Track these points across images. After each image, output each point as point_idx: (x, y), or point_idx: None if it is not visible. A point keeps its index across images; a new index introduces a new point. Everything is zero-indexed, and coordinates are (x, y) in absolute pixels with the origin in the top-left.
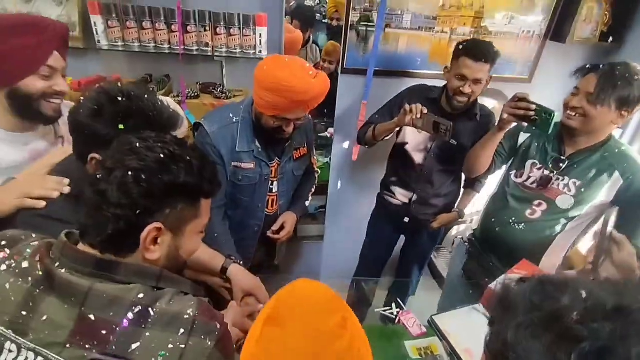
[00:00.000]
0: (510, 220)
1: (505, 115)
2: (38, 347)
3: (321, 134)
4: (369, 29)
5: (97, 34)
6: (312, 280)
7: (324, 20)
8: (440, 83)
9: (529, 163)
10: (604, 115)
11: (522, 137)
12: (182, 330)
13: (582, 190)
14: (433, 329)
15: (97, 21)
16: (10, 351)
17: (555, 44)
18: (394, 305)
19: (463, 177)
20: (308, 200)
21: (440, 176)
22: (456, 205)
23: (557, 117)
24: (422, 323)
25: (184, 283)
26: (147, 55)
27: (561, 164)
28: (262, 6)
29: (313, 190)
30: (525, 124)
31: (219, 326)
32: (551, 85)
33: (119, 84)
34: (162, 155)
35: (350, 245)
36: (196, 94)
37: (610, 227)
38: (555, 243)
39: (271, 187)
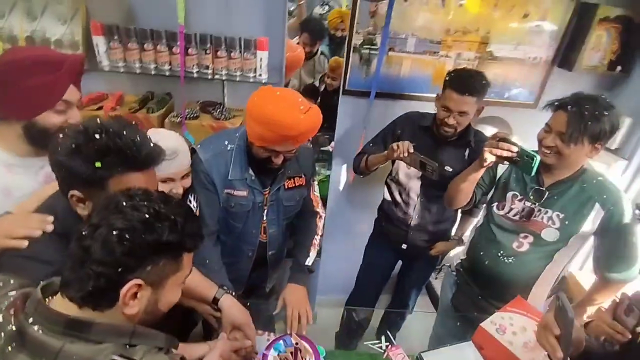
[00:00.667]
0: (499, 254)
1: (487, 154)
2: None
3: (323, 147)
4: (372, 51)
5: (98, 54)
6: None
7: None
8: None
9: (509, 194)
10: (577, 151)
11: (501, 168)
12: None
13: (566, 222)
14: None
15: (99, 42)
16: None
17: (562, 71)
18: (383, 338)
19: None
20: (309, 256)
21: (437, 203)
22: (454, 231)
23: (539, 159)
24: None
25: (158, 338)
26: (148, 75)
27: (541, 195)
28: (265, 29)
29: (316, 242)
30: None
31: None
32: None
33: (98, 120)
34: (147, 215)
35: (349, 263)
36: (196, 114)
37: (570, 313)
38: (543, 274)
39: (263, 214)
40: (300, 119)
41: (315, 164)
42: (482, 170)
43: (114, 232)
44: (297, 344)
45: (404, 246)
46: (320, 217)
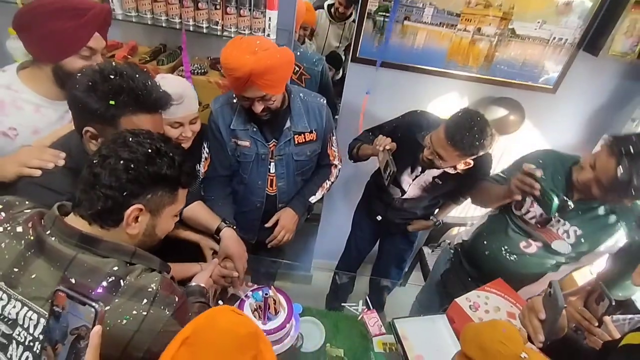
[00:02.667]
0: (503, 249)
1: (513, 187)
2: (25, 299)
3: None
4: (386, 19)
5: (112, 2)
6: (236, 312)
7: None
8: (456, 83)
9: (529, 198)
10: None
11: (526, 167)
12: (145, 300)
13: (582, 240)
14: (392, 331)
15: None
16: (1, 299)
17: (587, 56)
18: (360, 302)
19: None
20: (315, 194)
21: (421, 201)
22: (434, 213)
23: (559, 202)
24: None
25: (153, 261)
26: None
27: (565, 208)
28: None
29: (326, 185)
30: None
31: (177, 299)
32: (577, 99)
33: (114, 63)
34: (149, 150)
35: (346, 230)
36: (205, 70)
37: (560, 301)
38: (542, 279)
39: (269, 167)
40: (245, 59)
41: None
42: (508, 200)
43: (121, 162)
44: (267, 294)
45: (379, 218)
46: (336, 166)
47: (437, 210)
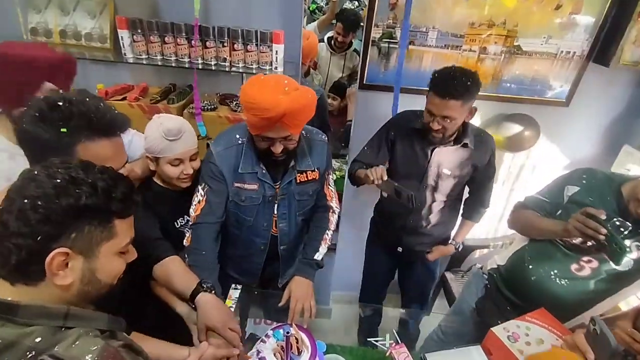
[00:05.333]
0: (552, 273)
1: (572, 228)
2: None
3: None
4: (391, 45)
5: (123, 47)
6: None
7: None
8: None
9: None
10: None
11: (570, 190)
12: None
13: None
14: None
15: (124, 35)
16: None
17: (598, 67)
18: (387, 336)
19: (457, 210)
20: (319, 250)
21: (434, 208)
22: (452, 236)
23: (629, 249)
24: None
25: (98, 319)
26: (172, 67)
27: (623, 229)
28: (282, 23)
29: (327, 237)
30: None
31: None
32: (591, 111)
33: (60, 91)
34: (58, 180)
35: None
36: (214, 106)
37: (613, 341)
38: (600, 305)
39: (274, 208)
40: (279, 99)
41: (333, 159)
42: (561, 235)
43: (26, 201)
44: (289, 332)
45: (400, 249)
46: (334, 211)
47: (455, 231)
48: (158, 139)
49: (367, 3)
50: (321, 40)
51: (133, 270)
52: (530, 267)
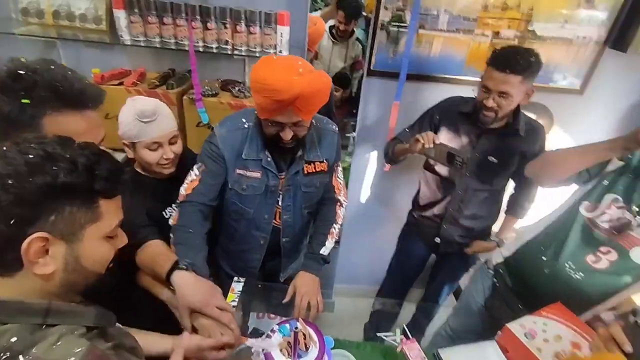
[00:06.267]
0: (566, 265)
1: (626, 144)
2: None
3: (349, 134)
4: (400, 29)
5: (120, 28)
6: None
7: (363, 13)
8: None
9: (608, 197)
10: None
11: (612, 165)
12: None
13: None
14: None
15: (120, 16)
16: None
17: (615, 53)
18: (398, 330)
19: (505, 200)
20: (325, 245)
21: (476, 197)
22: (493, 232)
23: None
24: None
25: (84, 315)
26: (171, 51)
27: None
28: (287, 3)
29: (334, 231)
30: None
31: None
32: (607, 99)
33: (22, 59)
34: (31, 156)
35: (368, 253)
36: (215, 92)
37: None
38: (617, 296)
39: (278, 199)
40: (293, 80)
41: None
42: (607, 155)
43: None
44: (296, 328)
45: (437, 240)
46: (341, 204)
47: (498, 228)
48: (132, 123)
49: None
50: None
51: (117, 256)
52: (544, 258)
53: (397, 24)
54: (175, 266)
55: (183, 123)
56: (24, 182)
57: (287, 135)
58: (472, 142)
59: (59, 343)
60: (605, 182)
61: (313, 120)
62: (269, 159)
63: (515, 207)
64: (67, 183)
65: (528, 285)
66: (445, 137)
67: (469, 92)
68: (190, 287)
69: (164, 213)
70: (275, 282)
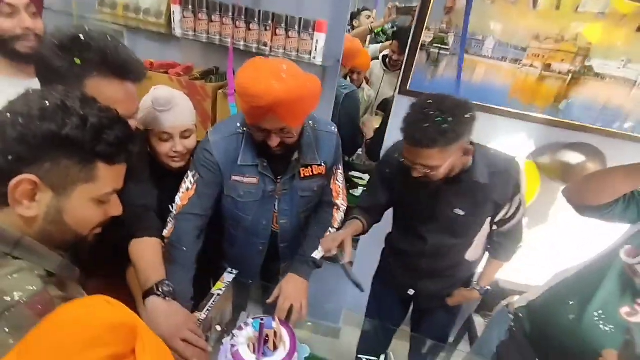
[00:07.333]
0: (596, 314)
1: None
2: None
3: None
4: (441, 51)
5: (174, 22)
6: (104, 300)
7: None
8: (521, 124)
9: None
10: None
11: None
12: None
13: None
14: None
15: (176, 10)
16: None
17: None
18: (382, 357)
19: (483, 245)
20: (318, 249)
21: (453, 250)
22: (475, 278)
23: None
24: None
25: (49, 259)
26: (220, 49)
27: None
28: (329, 15)
29: (329, 234)
30: None
31: None
32: None
33: (86, 27)
34: (47, 103)
35: None
36: None
37: None
38: None
39: (275, 204)
40: (271, 86)
41: (358, 172)
42: None
43: (9, 115)
44: (262, 320)
45: (411, 292)
46: (339, 209)
47: (480, 273)
48: (148, 109)
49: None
50: (375, 58)
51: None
52: (571, 303)
53: (439, 45)
54: (152, 290)
55: (215, 116)
56: (31, 124)
57: (274, 142)
58: (432, 195)
59: (15, 275)
60: None
61: (310, 122)
62: (265, 164)
63: (498, 250)
64: (71, 137)
65: (547, 333)
66: (402, 192)
67: (511, 124)
68: (160, 317)
69: (171, 206)
70: (273, 288)
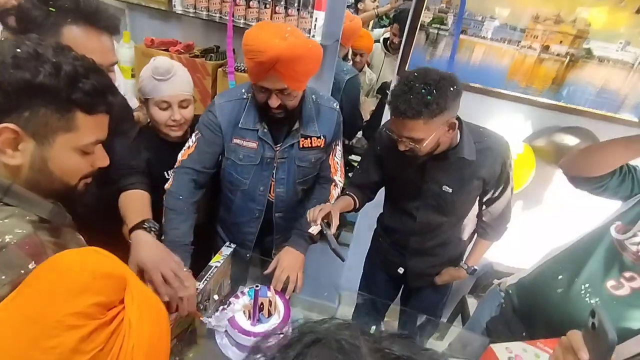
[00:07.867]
0: (582, 287)
1: None
2: None
3: None
4: (440, 32)
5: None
6: (95, 251)
7: None
8: (518, 106)
9: None
10: None
11: None
12: None
13: None
14: None
15: None
16: None
17: None
18: (373, 327)
19: (473, 223)
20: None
21: (441, 227)
22: (465, 257)
23: None
24: None
25: (40, 205)
26: (220, 27)
27: None
28: None
29: None
30: None
31: (30, 268)
32: None
33: None
34: (20, 51)
35: None
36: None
37: (611, 334)
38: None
39: (273, 171)
40: (274, 43)
41: (355, 155)
42: None
43: None
44: (257, 287)
45: (401, 270)
46: (336, 185)
47: (467, 252)
48: (147, 79)
49: None
50: (377, 41)
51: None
52: (560, 277)
53: (438, 26)
54: (139, 224)
55: (215, 93)
56: (5, 73)
57: (274, 102)
58: (420, 171)
59: (5, 220)
60: None
61: (313, 96)
62: (265, 130)
63: (486, 230)
64: (45, 85)
65: (534, 306)
66: (392, 169)
67: (509, 106)
68: (144, 247)
69: (165, 173)
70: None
